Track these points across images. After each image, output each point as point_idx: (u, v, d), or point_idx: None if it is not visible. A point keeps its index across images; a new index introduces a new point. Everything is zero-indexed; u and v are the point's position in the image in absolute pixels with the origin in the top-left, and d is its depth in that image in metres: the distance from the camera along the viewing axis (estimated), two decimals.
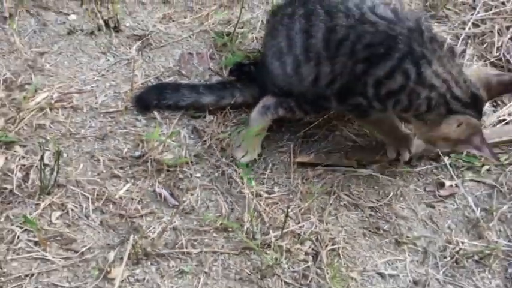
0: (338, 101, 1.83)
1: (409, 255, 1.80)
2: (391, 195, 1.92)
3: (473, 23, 2.34)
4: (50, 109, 1.94)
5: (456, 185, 1.96)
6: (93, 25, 2.17)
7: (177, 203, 1.80)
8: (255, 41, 2.22)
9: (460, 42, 2.28)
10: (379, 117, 1.86)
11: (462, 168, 2.00)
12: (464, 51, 2.27)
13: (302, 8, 1.79)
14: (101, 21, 2.15)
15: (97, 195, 1.79)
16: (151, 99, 1.96)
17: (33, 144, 1.84)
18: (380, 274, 1.75)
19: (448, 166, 1.98)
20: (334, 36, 1.74)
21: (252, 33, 2.23)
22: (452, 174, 1.96)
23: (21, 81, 1.98)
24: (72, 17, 2.19)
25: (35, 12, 2.18)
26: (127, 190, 1.81)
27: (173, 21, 2.25)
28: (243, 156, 1.89)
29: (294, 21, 1.80)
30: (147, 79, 2.08)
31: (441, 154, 1.99)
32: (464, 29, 2.32)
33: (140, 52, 2.15)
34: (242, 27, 2.23)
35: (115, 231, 1.73)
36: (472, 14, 2.35)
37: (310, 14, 1.77)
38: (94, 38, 2.15)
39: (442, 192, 1.96)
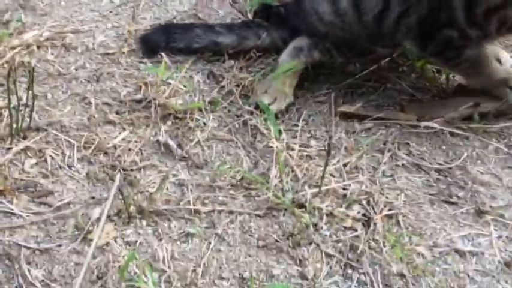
0: (419, 43, 1.44)
1: (495, 229, 1.33)
2: (464, 156, 1.47)
3: None
4: (38, 47, 1.61)
5: None
6: None
7: (185, 155, 1.40)
8: None
9: None
10: (474, 57, 1.44)
11: None
12: None
13: None
14: None
15: (85, 142, 1.41)
16: (158, 41, 1.61)
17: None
18: (457, 251, 1.28)
19: None
20: None
21: None
22: None
23: (7, 19, 1.67)
24: None
25: None
26: (123, 139, 1.43)
27: None
28: (270, 104, 1.50)
29: None
30: (157, 21, 1.74)
31: None
32: None
33: None
34: None
35: (103, 185, 1.33)
36: None
37: None
38: None
39: None
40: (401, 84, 1.64)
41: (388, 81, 1.64)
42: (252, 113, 1.50)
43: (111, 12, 1.76)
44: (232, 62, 1.63)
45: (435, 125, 1.52)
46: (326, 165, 1.29)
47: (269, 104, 1.50)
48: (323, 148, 1.45)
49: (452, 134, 1.52)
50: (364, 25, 1.48)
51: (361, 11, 1.47)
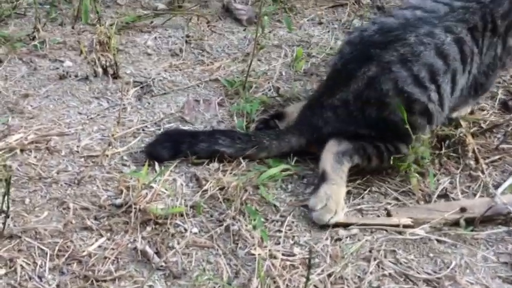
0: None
1: None
2: (452, 265, 1.43)
3: None
4: (21, 150, 1.60)
5: None
6: (89, 71, 1.93)
7: (163, 264, 1.34)
8: (272, 89, 1.93)
9: None
10: None
11: None
12: None
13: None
14: (98, 68, 1.92)
15: (59, 250, 1.35)
16: (164, 152, 1.60)
17: None
18: None
19: None
20: None
21: (269, 83, 1.95)
22: None
23: None
24: (68, 63, 1.97)
25: (28, 60, 1.98)
26: (99, 246, 1.38)
27: (180, 70, 2.01)
28: (331, 218, 1.47)
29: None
30: (144, 124, 1.76)
31: None
32: None
33: (139, 99, 1.86)
34: (259, 77, 1.97)
35: None
36: None
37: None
38: (88, 84, 1.90)
39: None
40: (386, 188, 1.63)
41: (372, 184, 1.63)
42: (234, 218, 1.47)
43: (98, 115, 1.78)
44: (216, 164, 1.63)
45: (421, 232, 1.49)
46: (308, 279, 1.24)
47: (330, 218, 1.46)
48: (307, 256, 1.40)
49: (439, 241, 1.48)
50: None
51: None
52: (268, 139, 1.62)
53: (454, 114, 1.77)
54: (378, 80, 1.52)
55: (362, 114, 1.54)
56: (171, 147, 1.60)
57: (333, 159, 1.54)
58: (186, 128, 1.76)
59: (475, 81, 1.64)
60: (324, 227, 1.48)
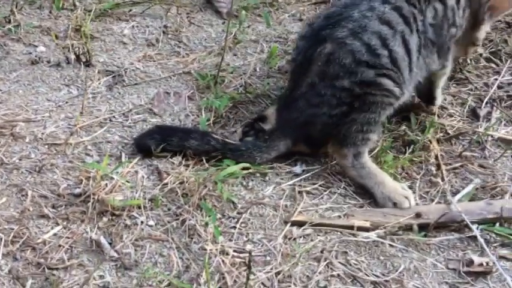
0: None
1: None
2: (401, 269, 1.46)
3: (498, 86, 2.02)
4: None
5: (488, 263, 1.48)
6: (62, 57, 1.93)
7: (115, 255, 1.37)
8: (244, 85, 1.94)
9: (483, 104, 1.95)
10: None
11: (495, 244, 1.54)
12: (489, 113, 1.93)
13: None
14: (71, 55, 1.92)
15: (14, 236, 1.38)
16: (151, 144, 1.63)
17: None
18: None
19: (479, 238, 1.52)
20: None
21: (242, 78, 1.96)
22: (485, 248, 1.50)
23: None
24: (41, 48, 1.98)
25: (1, 43, 1.98)
26: (54, 234, 1.41)
27: (154, 61, 2.01)
28: (408, 201, 1.59)
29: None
30: (111, 114, 1.78)
31: (469, 223, 1.55)
32: (487, 91, 2.01)
33: (110, 88, 1.88)
34: (232, 72, 1.98)
35: (23, 285, 1.28)
36: (496, 78, 2.05)
37: None
38: (60, 70, 1.91)
39: (470, 270, 1.48)
40: (347, 189, 1.66)
41: (333, 186, 1.66)
42: (190, 212, 1.50)
43: (67, 102, 1.80)
44: (180, 158, 1.65)
45: (374, 236, 1.52)
46: (248, 279, 1.27)
47: (408, 204, 1.58)
48: (259, 254, 1.43)
49: (391, 245, 1.51)
50: None
51: None
52: (258, 152, 1.64)
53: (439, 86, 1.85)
54: (336, 55, 1.60)
55: (332, 90, 1.60)
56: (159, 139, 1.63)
57: (355, 170, 1.64)
58: (154, 120, 1.78)
59: (428, 40, 1.70)
60: (278, 225, 1.51)
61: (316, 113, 1.62)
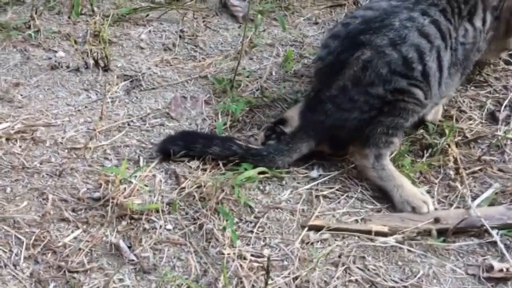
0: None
1: None
2: (420, 274, 1.45)
3: None
4: (7, 139, 1.65)
5: (508, 269, 1.46)
6: (81, 62, 1.96)
7: (134, 259, 1.39)
8: (260, 89, 1.94)
9: (502, 108, 1.92)
10: None
11: None
12: (509, 116, 1.91)
13: None
14: (90, 60, 1.95)
15: (35, 240, 1.40)
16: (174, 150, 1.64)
17: None
18: None
19: (499, 243, 1.50)
20: None
21: (258, 82, 1.97)
22: (505, 253, 1.48)
23: None
24: (61, 53, 2.01)
25: (22, 48, 2.01)
26: (75, 238, 1.42)
27: (171, 65, 2.03)
28: (427, 206, 1.59)
29: None
30: (130, 119, 1.80)
31: (489, 228, 1.53)
32: (506, 94, 1.98)
33: (128, 92, 1.90)
34: (248, 76, 1.99)
35: None
36: None
37: None
38: (79, 75, 1.93)
39: (490, 276, 1.46)
40: (364, 194, 1.65)
41: (350, 190, 1.65)
42: (208, 217, 1.51)
43: (86, 107, 1.82)
44: (197, 163, 1.66)
45: (392, 240, 1.51)
46: (266, 284, 1.27)
47: (427, 209, 1.58)
48: (276, 258, 1.43)
49: (410, 250, 1.50)
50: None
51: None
52: (280, 156, 1.63)
53: (443, 101, 1.85)
54: (374, 63, 1.60)
55: (365, 96, 1.60)
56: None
57: (375, 172, 1.64)
58: (171, 124, 1.79)
59: (457, 59, 1.71)
60: (296, 229, 1.51)
61: (347, 117, 1.62)
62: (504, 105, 1.92)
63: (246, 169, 1.58)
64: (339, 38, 1.69)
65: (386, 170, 1.64)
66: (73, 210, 1.49)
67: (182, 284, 1.33)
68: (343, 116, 1.62)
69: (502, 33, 1.84)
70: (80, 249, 1.40)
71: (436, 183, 1.69)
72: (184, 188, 1.57)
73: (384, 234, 1.54)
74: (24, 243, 1.39)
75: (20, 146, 1.64)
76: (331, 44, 1.70)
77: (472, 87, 1.99)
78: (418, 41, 1.61)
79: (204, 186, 1.56)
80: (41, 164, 1.61)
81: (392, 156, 1.69)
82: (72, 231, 1.44)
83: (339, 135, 1.65)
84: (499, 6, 1.80)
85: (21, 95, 1.83)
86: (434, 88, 1.65)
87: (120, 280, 1.34)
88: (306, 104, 1.73)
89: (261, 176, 1.62)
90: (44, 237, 1.41)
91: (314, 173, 1.69)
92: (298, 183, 1.65)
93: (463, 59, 1.71)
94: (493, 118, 1.93)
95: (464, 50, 1.71)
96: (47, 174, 1.57)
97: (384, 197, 1.63)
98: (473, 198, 1.64)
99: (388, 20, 1.63)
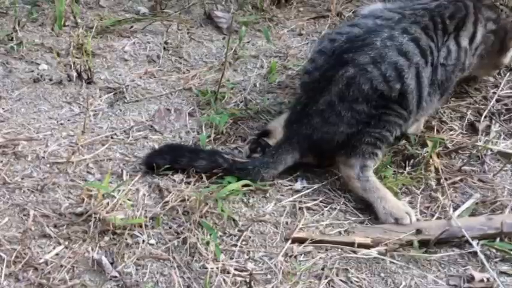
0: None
1: None
2: (402, 286, 1.47)
3: (496, 99, 2.03)
4: None
5: (488, 279, 1.48)
6: (63, 75, 1.95)
7: (116, 275, 1.38)
8: (244, 101, 1.95)
9: (482, 118, 1.95)
10: None
11: (495, 259, 1.54)
12: (488, 127, 1.94)
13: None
14: (73, 72, 1.94)
15: (16, 257, 1.39)
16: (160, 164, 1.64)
17: None
18: None
19: (479, 254, 1.53)
20: None
21: (242, 94, 1.98)
22: (485, 263, 1.50)
23: None
24: (43, 66, 2.00)
25: (4, 61, 2.00)
26: (56, 254, 1.41)
27: (155, 77, 2.03)
28: (410, 218, 1.61)
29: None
30: (113, 132, 1.79)
31: (470, 239, 1.55)
32: (486, 105, 2.01)
33: (111, 105, 1.89)
34: (232, 88, 1.99)
35: None
36: (495, 92, 2.06)
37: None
38: (62, 88, 1.93)
39: (471, 286, 1.48)
40: (347, 205, 1.67)
41: (333, 202, 1.66)
42: (192, 231, 1.51)
43: (69, 120, 1.81)
44: (181, 176, 1.66)
45: (374, 252, 1.52)
46: None
47: (409, 220, 1.60)
48: (260, 272, 1.44)
49: (392, 262, 1.52)
50: None
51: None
52: (265, 169, 1.65)
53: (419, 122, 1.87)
54: (357, 80, 1.65)
55: (351, 112, 1.64)
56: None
57: (360, 183, 1.65)
58: (155, 137, 1.79)
59: (437, 80, 1.75)
60: (279, 242, 1.52)
61: (335, 131, 1.66)
62: (484, 115, 1.95)
63: (229, 182, 1.58)
64: (325, 54, 1.74)
65: (370, 181, 1.66)
66: (55, 226, 1.48)
67: None
68: (331, 129, 1.66)
69: (495, 50, 1.89)
70: (61, 265, 1.39)
71: (418, 194, 1.71)
72: (168, 201, 1.57)
73: (367, 246, 1.55)
74: (5, 261, 1.38)
75: (1, 161, 1.63)
76: (318, 59, 1.75)
77: (453, 98, 2.02)
78: (397, 59, 1.65)
79: (188, 199, 1.56)
80: (22, 179, 1.59)
81: (375, 167, 1.71)
82: (54, 248, 1.43)
83: (326, 147, 1.68)
84: (497, 20, 1.86)
85: (2, 109, 1.82)
86: (413, 105, 1.69)
87: None
88: (291, 116, 1.75)
89: (245, 188, 1.62)
90: (25, 254, 1.40)
91: (298, 185, 1.70)
92: (282, 195, 1.66)
93: (442, 80, 1.75)
94: (473, 129, 1.96)
95: (445, 71, 1.74)
96: (28, 190, 1.56)
97: (367, 209, 1.64)
98: (454, 209, 1.66)
99: (370, 38, 1.68)
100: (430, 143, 1.83)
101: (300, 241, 1.54)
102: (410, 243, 1.56)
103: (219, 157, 1.65)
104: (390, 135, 1.70)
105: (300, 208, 1.62)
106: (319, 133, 1.66)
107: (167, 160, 1.64)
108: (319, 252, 1.51)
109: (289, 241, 1.53)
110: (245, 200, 1.63)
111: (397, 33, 1.69)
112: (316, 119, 1.67)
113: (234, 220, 1.56)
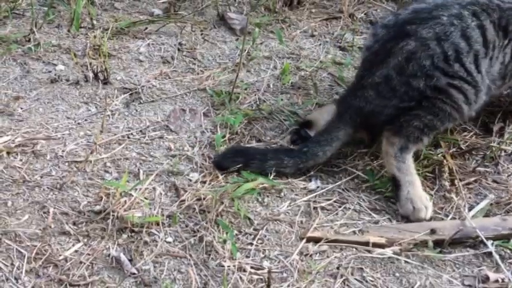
0: None
1: None
2: (417, 285, 1.47)
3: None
4: (8, 153, 1.66)
5: (503, 280, 1.49)
6: (80, 75, 1.98)
7: (135, 272, 1.40)
8: (258, 102, 1.97)
9: (496, 119, 1.96)
10: None
11: (510, 260, 1.55)
12: (502, 128, 1.94)
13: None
14: (90, 73, 1.97)
15: (36, 253, 1.41)
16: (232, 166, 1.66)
17: None
18: None
19: (494, 254, 1.53)
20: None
21: (255, 95, 1.99)
22: (500, 264, 1.51)
23: None
24: (60, 67, 2.03)
25: (22, 62, 2.03)
26: (76, 251, 1.44)
27: (169, 78, 2.05)
28: (426, 214, 1.60)
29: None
30: (129, 132, 1.81)
31: (484, 239, 1.55)
32: (500, 106, 2.02)
33: (127, 105, 1.91)
34: (246, 89, 2.01)
35: None
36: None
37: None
38: (79, 88, 1.95)
39: (486, 286, 1.49)
40: (361, 205, 1.67)
41: (347, 202, 1.67)
42: (208, 229, 1.52)
43: (86, 120, 1.84)
44: (196, 175, 1.68)
45: (389, 252, 1.53)
46: None
47: (429, 216, 1.59)
48: (276, 270, 1.45)
49: (407, 261, 1.52)
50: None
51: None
52: (320, 149, 1.66)
53: None
54: (418, 54, 1.60)
55: (406, 87, 1.61)
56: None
57: (396, 161, 1.63)
58: (170, 137, 1.81)
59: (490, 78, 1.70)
60: (295, 241, 1.53)
61: (385, 103, 1.63)
62: (498, 117, 1.95)
63: (247, 180, 1.60)
64: (387, 27, 1.71)
65: (406, 164, 1.64)
66: (74, 224, 1.50)
67: None
68: (382, 102, 1.63)
69: None
70: (81, 262, 1.41)
71: (432, 195, 1.71)
72: (184, 200, 1.59)
73: (381, 246, 1.56)
74: (26, 257, 1.40)
75: (21, 160, 1.66)
76: (380, 32, 1.72)
77: None
78: (458, 41, 1.60)
79: (204, 198, 1.58)
80: (41, 177, 1.62)
81: (415, 151, 1.70)
82: (73, 245, 1.45)
83: (374, 121, 1.66)
84: None
85: (21, 109, 1.85)
86: (484, 85, 1.63)
87: None
88: (347, 90, 1.75)
89: (260, 187, 1.64)
90: (45, 250, 1.42)
91: (312, 185, 1.71)
92: (297, 195, 1.67)
93: (493, 82, 1.69)
94: (487, 130, 1.96)
95: (500, 73, 1.68)
96: (47, 188, 1.59)
97: (381, 209, 1.65)
98: (469, 209, 1.67)
99: (436, 11, 1.62)
100: (443, 144, 1.84)
101: (315, 240, 1.55)
102: (424, 243, 1.57)
103: (281, 153, 1.66)
104: (441, 125, 1.65)
105: (315, 208, 1.64)
106: (371, 106, 1.64)
107: (239, 163, 1.65)
108: (334, 252, 1.52)
109: (304, 240, 1.54)
110: (260, 200, 1.65)
111: (467, 13, 1.63)
112: (370, 92, 1.65)
113: (249, 219, 1.57)
